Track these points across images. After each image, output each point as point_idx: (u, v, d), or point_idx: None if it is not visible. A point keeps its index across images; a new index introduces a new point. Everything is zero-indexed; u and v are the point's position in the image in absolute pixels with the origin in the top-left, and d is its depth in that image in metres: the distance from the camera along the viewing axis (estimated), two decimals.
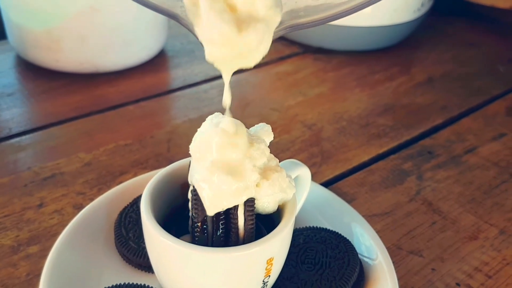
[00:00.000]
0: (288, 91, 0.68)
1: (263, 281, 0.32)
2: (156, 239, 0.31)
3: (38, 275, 0.38)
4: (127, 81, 0.67)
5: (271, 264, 0.31)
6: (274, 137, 0.34)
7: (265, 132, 0.33)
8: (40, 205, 0.47)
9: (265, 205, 0.32)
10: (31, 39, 0.64)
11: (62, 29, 0.62)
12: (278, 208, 0.34)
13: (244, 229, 0.31)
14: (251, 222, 0.31)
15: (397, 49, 0.82)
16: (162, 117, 0.62)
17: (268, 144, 0.33)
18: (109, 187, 0.48)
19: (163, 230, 0.31)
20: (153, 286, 0.35)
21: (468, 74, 0.77)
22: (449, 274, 0.43)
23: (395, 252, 0.44)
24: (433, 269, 0.43)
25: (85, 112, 0.61)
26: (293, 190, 0.34)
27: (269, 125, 0.34)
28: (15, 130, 0.57)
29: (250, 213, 0.31)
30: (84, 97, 0.63)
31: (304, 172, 0.38)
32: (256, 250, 0.30)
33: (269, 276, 0.32)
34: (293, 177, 0.36)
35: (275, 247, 0.31)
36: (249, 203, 0.31)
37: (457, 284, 0.42)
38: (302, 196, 0.39)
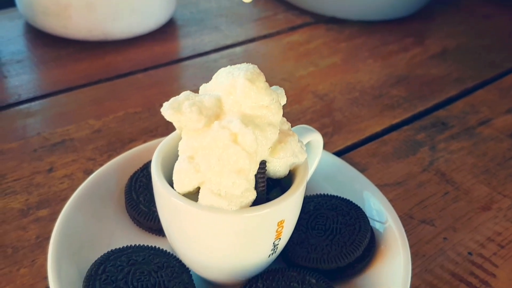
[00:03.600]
0: (299, 61, 0.67)
1: (273, 243, 0.32)
2: (167, 200, 0.31)
3: (47, 238, 0.38)
4: (136, 49, 0.66)
5: (282, 226, 0.31)
6: (285, 108, 0.33)
7: (279, 94, 0.32)
8: (50, 170, 0.47)
9: (276, 168, 0.32)
10: (40, 6, 0.63)
11: None
12: (289, 173, 0.33)
13: (256, 191, 0.30)
14: (263, 184, 0.31)
15: (411, 20, 0.80)
16: (171, 86, 0.62)
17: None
18: (119, 154, 0.47)
19: (174, 190, 0.30)
20: (163, 248, 0.35)
21: (482, 47, 0.75)
22: (461, 244, 0.42)
23: (407, 221, 0.44)
24: (445, 238, 0.43)
25: (94, 79, 0.60)
26: (305, 155, 0.33)
27: (282, 88, 0.33)
28: (24, 97, 0.56)
29: (262, 175, 0.30)
30: (92, 64, 0.63)
31: (316, 138, 0.37)
32: (267, 211, 0.30)
33: (280, 238, 0.32)
34: (304, 143, 0.35)
35: (286, 209, 0.31)
36: (261, 165, 0.30)
37: (469, 253, 0.41)
38: (314, 162, 0.38)
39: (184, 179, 0.30)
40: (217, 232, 0.30)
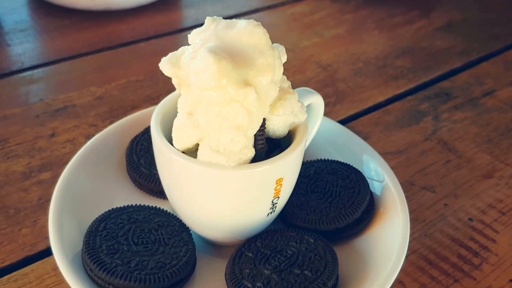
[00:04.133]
0: (304, 32, 0.67)
1: (272, 202, 0.32)
2: (166, 156, 0.31)
3: (49, 200, 0.38)
4: (139, 19, 0.66)
5: (281, 185, 0.31)
6: (288, 77, 0.33)
7: (280, 51, 0.32)
8: (52, 135, 0.47)
9: (276, 127, 0.32)
10: None
11: None
12: (289, 134, 0.33)
13: (255, 148, 0.30)
14: (261, 142, 0.31)
15: None
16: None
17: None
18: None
19: (173, 147, 0.31)
20: (164, 208, 0.35)
21: (488, 20, 0.74)
22: (462, 210, 0.42)
23: (408, 187, 0.44)
24: (445, 205, 0.43)
25: (96, 48, 0.60)
26: (305, 115, 0.33)
27: (283, 46, 0.33)
28: (27, 64, 0.56)
29: (261, 133, 0.30)
30: (96, 33, 0.62)
31: (317, 100, 0.37)
32: (266, 168, 0.30)
33: (278, 197, 0.32)
34: (305, 104, 0.35)
35: (285, 167, 0.31)
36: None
37: (470, 219, 0.41)
38: (315, 124, 0.38)
39: (183, 136, 0.30)
40: (215, 189, 0.30)
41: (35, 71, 0.55)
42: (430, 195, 0.43)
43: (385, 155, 0.47)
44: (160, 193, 0.39)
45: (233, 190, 0.30)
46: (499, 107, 0.55)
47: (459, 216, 0.42)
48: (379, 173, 0.39)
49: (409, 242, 0.37)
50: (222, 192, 0.30)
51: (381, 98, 0.56)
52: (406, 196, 0.38)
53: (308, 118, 0.38)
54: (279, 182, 0.31)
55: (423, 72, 0.60)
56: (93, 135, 0.46)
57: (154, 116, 0.33)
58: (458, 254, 0.38)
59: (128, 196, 0.39)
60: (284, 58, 0.32)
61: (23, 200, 0.40)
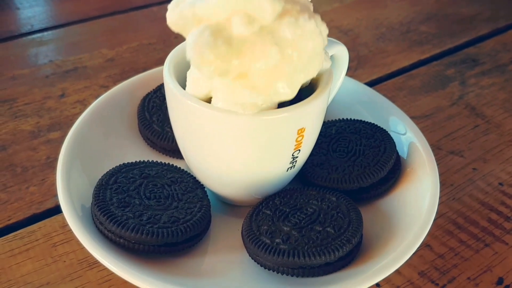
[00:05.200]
0: None
1: (292, 155, 0.30)
2: (181, 103, 0.29)
3: (58, 158, 0.36)
4: None
5: (302, 136, 0.29)
6: None
7: None
8: (62, 95, 0.45)
9: None
10: None
11: None
12: (311, 84, 0.31)
13: None
14: None
15: None
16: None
17: None
18: None
19: (188, 94, 0.28)
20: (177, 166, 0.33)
21: None
22: (491, 174, 0.40)
23: (435, 152, 0.41)
24: (474, 169, 0.40)
25: (108, 11, 0.58)
26: (329, 62, 0.31)
27: None
28: (36, 27, 0.55)
29: None
30: None
31: (341, 50, 0.35)
32: (287, 115, 0.27)
33: (299, 150, 0.30)
34: (330, 54, 0.33)
35: (307, 116, 0.29)
36: None
37: (500, 184, 0.39)
38: (339, 76, 0.36)
39: (197, 85, 0.28)
40: (232, 138, 0.28)
41: (45, 33, 0.54)
42: (458, 160, 0.41)
43: (411, 119, 0.45)
44: (173, 151, 0.37)
45: (251, 140, 0.28)
46: None
47: (489, 181, 0.39)
48: (406, 134, 0.37)
49: (438, 204, 0.35)
50: (239, 141, 0.28)
51: (405, 63, 0.53)
52: None
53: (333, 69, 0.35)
54: (300, 132, 0.29)
55: (449, 38, 0.57)
56: None
57: (167, 63, 0.31)
58: (488, 218, 0.36)
59: (140, 154, 0.37)
60: None
61: (31, 159, 0.39)
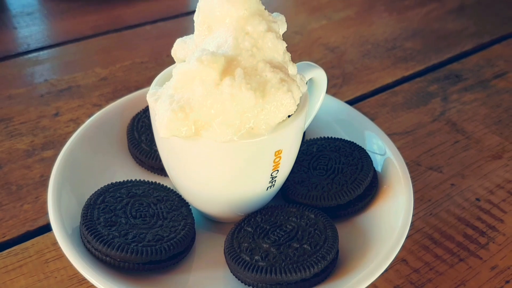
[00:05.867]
0: (312, 15, 0.66)
1: (271, 175, 0.31)
2: None
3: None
4: (145, 2, 0.66)
5: (280, 157, 0.31)
6: (294, 60, 0.32)
7: (279, 21, 0.31)
8: (56, 114, 0.47)
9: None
10: None
11: None
12: None
13: None
14: None
15: None
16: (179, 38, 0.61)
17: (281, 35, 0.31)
18: None
19: None
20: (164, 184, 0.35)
21: (501, 2, 0.72)
22: (469, 190, 0.41)
23: (414, 168, 0.43)
24: (452, 185, 0.42)
25: (102, 30, 0.60)
26: (305, 87, 0.32)
27: (283, 15, 0.32)
28: (33, 46, 0.56)
29: None
30: (101, 16, 0.62)
31: (318, 74, 0.36)
32: (264, 139, 0.29)
33: (278, 170, 0.31)
34: (307, 78, 0.35)
35: (284, 138, 0.30)
36: None
37: (477, 199, 0.40)
38: (318, 99, 0.38)
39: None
40: (212, 161, 0.30)
41: (41, 52, 0.55)
42: (436, 175, 0.42)
43: (392, 135, 0.46)
44: (161, 170, 0.38)
45: (230, 163, 0.30)
46: (510, 89, 0.54)
47: (466, 196, 0.41)
48: (382, 151, 0.39)
49: (414, 221, 0.37)
50: (218, 165, 0.30)
51: (389, 80, 0.55)
52: (412, 176, 0.38)
53: (311, 92, 0.37)
54: (278, 154, 0.30)
55: (433, 54, 0.59)
56: None
57: (152, 86, 0.32)
58: (464, 234, 0.37)
59: (129, 172, 0.38)
60: (283, 28, 0.31)
61: (26, 177, 0.40)
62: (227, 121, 0.28)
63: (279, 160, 0.31)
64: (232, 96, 0.27)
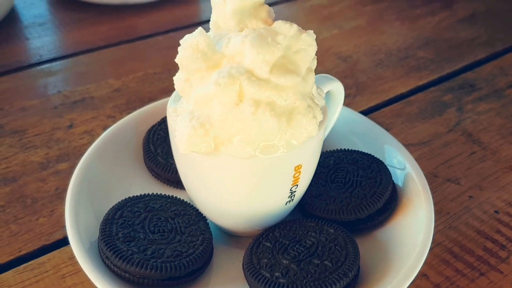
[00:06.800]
0: (323, 24, 0.66)
1: (290, 190, 0.31)
2: None
3: (66, 190, 0.38)
4: (156, 12, 0.66)
5: (299, 172, 0.30)
6: None
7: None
8: (70, 126, 0.47)
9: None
10: None
11: None
12: None
13: None
14: None
15: None
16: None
17: None
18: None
19: None
20: (181, 198, 0.35)
21: None
22: (487, 202, 0.41)
23: (431, 179, 0.43)
24: (470, 197, 0.41)
25: (114, 41, 0.60)
26: (323, 102, 0.32)
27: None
28: (45, 57, 0.56)
29: None
30: (113, 27, 0.62)
31: (336, 87, 0.36)
32: (284, 154, 0.29)
33: (297, 185, 0.31)
34: (325, 91, 0.34)
35: (304, 153, 0.30)
36: None
37: (496, 212, 0.40)
38: (335, 111, 0.37)
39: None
40: (232, 177, 0.29)
41: (53, 63, 0.55)
42: (454, 187, 0.42)
43: (408, 146, 0.46)
44: (177, 182, 0.38)
45: (249, 179, 0.30)
46: None
47: (484, 209, 0.40)
48: (401, 164, 0.38)
49: (434, 234, 0.36)
50: (238, 180, 0.30)
51: (403, 89, 0.54)
52: (429, 188, 0.37)
53: (328, 105, 0.37)
54: (297, 169, 0.30)
55: (446, 63, 0.59)
56: (110, 126, 0.46)
57: (171, 100, 0.32)
58: (484, 247, 0.37)
59: (145, 185, 0.38)
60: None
61: (41, 190, 0.40)
62: (247, 139, 0.27)
63: (299, 175, 0.30)
64: (254, 118, 0.26)
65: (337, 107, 0.37)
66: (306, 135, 0.29)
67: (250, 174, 0.29)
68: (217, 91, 0.27)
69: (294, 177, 0.30)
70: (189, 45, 0.28)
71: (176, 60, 0.29)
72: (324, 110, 0.32)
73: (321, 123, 0.30)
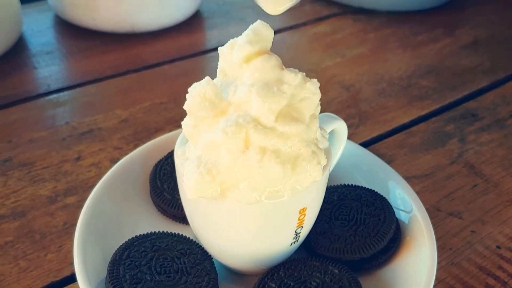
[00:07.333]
0: (326, 52, 0.67)
1: (295, 232, 0.32)
2: None
3: (74, 224, 0.38)
4: (162, 41, 0.67)
5: (304, 214, 0.31)
6: None
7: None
8: (78, 158, 0.47)
9: None
10: None
11: None
12: None
13: None
14: None
15: (441, 10, 0.78)
16: (197, 77, 0.61)
17: None
18: (145, 143, 0.48)
19: None
20: (186, 235, 0.35)
21: None
22: (489, 237, 0.41)
23: (434, 213, 0.43)
24: (472, 231, 0.42)
25: (121, 70, 0.61)
26: (326, 143, 0.33)
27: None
28: (53, 87, 0.57)
29: None
30: (120, 56, 0.63)
31: (340, 126, 0.37)
32: (289, 199, 0.29)
33: (302, 227, 0.32)
34: (328, 131, 0.35)
35: (309, 197, 0.31)
36: None
37: (498, 247, 0.40)
38: (338, 150, 0.38)
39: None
40: (238, 221, 0.30)
41: (61, 94, 0.56)
42: (457, 222, 0.42)
43: (411, 179, 0.46)
44: (183, 218, 0.38)
45: (256, 222, 0.30)
46: None
47: (486, 244, 0.41)
48: (404, 201, 0.39)
49: (436, 271, 0.36)
50: (244, 224, 0.30)
51: (405, 119, 0.55)
52: (432, 223, 0.38)
53: (332, 143, 0.38)
54: (302, 212, 0.31)
55: (449, 92, 0.60)
56: (117, 158, 0.47)
57: (177, 146, 0.33)
58: (486, 284, 0.37)
59: (152, 221, 0.39)
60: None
61: (49, 225, 0.41)
62: (253, 185, 0.28)
63: (304, 217, 0.31)
64: (260, 165, 0.27)
65: (341, 146, 0.38)
66: (311, 180, 0.29)
67: (256, 218, 0.30)
68: (225, 139, 0.27)
69: (299, 219, 0.31)
70: (197, 93, 0.29)
71: (185, 107, 0.30)
72: (328, 152, 0.32)
73: (325, 167, 0.31)
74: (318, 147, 0.30)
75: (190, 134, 0.30)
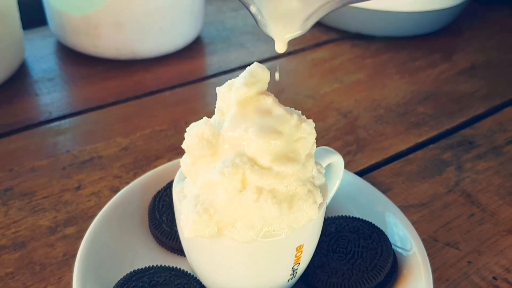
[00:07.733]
0: (324, 78, 0.67)
1: (292, 268, 0.32)
2: None
3: (74, 256, 0.39)
4: (163, 67, 0.68)
5: (301, 251, 0.31)
6: None
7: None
8: (78, 188, 0.48)
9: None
10: (70, 25, 0.66)
11: (100, 15, 0.63)
12: None
13: None
14: None
15: (439, 35, 0.79)
16: (197, 104, 0.62)
17: None
18: (144, 171, 0.49)
19: None
20: (185, 269, 0.36)
21: (510, 63, 0.73)
22: (486, 268, 0.41)
23: (431, 244, 0.43)
24: (469, 262, 0.42)
25: (122, 97, 0.61)
26: (322, 179, 0.33)
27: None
28: (54, 114, 0.58)
29: None
30: (121, 82, 0.64)
31: (336, 160, 0.37)
32: (286, 237, 0.30)
33: (299, 263, 0.32)
34: (324, 165, 0.36)
35: (305, 234, 0.31)
36: None
37: (494, 278, 0.41)
38: (334, 184, 0.39)
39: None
40: (235, 259, 0.31)
41: (63, 121, 0.57)
42: (453, 252, 0.43)
43: (408, 208, 0.47)
44: (181, 250, 0.39)
45: (252, 260, 0.31)
46: None
47: (483, 275, 0.41)
48: (401, 232, 0.39)
49: None
50: (241, 262, 0.31)
51: (402, 147, 0.55)
52: (429, 253, 0.38)
53: (328, 177, 0.38)
54: (299, 249, 0.31)
55: (446, 119, 0.60)
56: (117, 187, 0.48)
57: (176, 181, 0.33)
58: None
59: (150, 253, 0.39)
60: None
61: (49, 256, 0.41)
62: (250, 224, 0.28)
63: (301, 254, 0.31)
64: (257, 205, 0.28)
65: (337, 180, 0.38)
66: (307, 219, 0.30)
67: (253, 256, 0.30)
68: (222, 180, 0.28)
69: (296, 256, 0.31)
70: (195, 133, 0.30)
71: (183, 146, 0.31)
72: (324, 189, 0.33)
73: (321, 204, 0.32)
74: (314, 185, 0.30)
75: (189, 172, 0.31)
